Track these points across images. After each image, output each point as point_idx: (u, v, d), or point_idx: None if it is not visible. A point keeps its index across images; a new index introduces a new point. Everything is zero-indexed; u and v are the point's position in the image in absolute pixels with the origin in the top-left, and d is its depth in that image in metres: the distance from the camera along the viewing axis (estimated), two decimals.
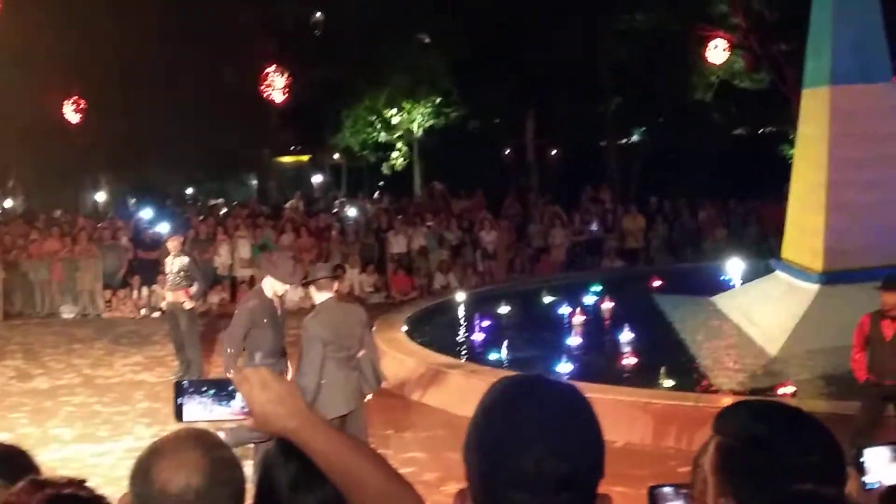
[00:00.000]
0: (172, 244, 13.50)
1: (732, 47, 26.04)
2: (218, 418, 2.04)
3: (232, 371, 8.13)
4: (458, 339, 14.73)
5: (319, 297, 8.38)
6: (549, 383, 1.80)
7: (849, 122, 13.59)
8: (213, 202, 32.66)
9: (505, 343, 13.13)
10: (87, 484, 2.48)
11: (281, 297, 9.24)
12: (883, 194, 13.47)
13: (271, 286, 8.95)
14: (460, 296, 17.09)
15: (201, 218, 23.94)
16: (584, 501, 1.70)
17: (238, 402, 2.02)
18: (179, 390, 2.05)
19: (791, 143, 19.00)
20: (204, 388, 2.05)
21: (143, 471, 2.14)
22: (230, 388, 2.03)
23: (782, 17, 24.29)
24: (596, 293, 16.98)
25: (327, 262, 16.59)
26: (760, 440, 1.73)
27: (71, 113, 25.26)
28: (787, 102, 24.71)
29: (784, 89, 25.78)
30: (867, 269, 11.94)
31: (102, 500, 2.44)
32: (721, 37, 25.53)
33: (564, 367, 11.73)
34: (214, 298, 19.23)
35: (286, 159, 42.68)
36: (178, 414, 2.04)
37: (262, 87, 25.62)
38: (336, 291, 8.74)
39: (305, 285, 9.38)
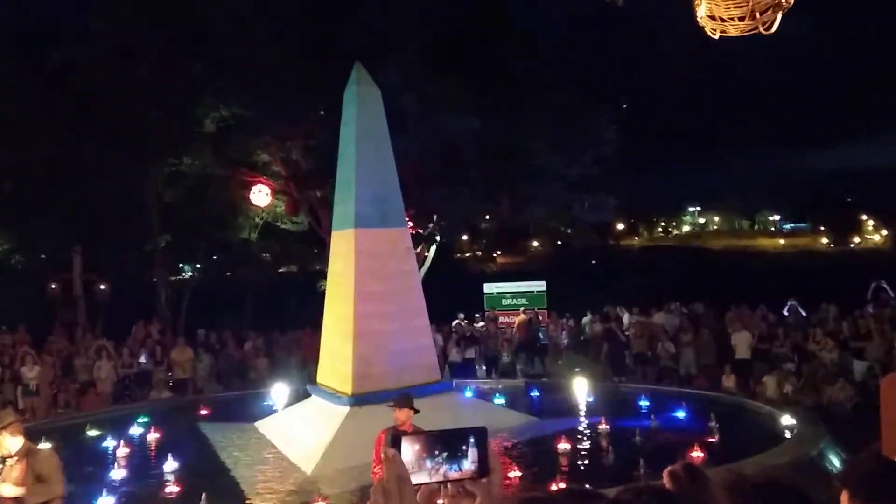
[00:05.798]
0: None
1: (275, 192, 26.97)
2: None
3: None
4: None
5: (16, 442, 7.57)
6: None
7: (371, 261, 14.60)
8: None
9: None
10: None
11: None
12: (400, 323, 14.55)
13: None
14: None
15: None
16: None
17: None
18: None
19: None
20: None
21: None
22: None
23: (317, 166, 25.74)
24: (143, 424, 16.35)
25: None
26: None
27: None
28: (323, 243, 25.98)
29: (320, 231, 27.16)
30: (387, 391, 12.74)
31: None
32: (264, 182, 26.40)
33: (105, 501, 11.03)
34: None
35: None
36: None
37: None
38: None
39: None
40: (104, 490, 11.51)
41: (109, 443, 14.79)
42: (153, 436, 15.52)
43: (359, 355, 14.08)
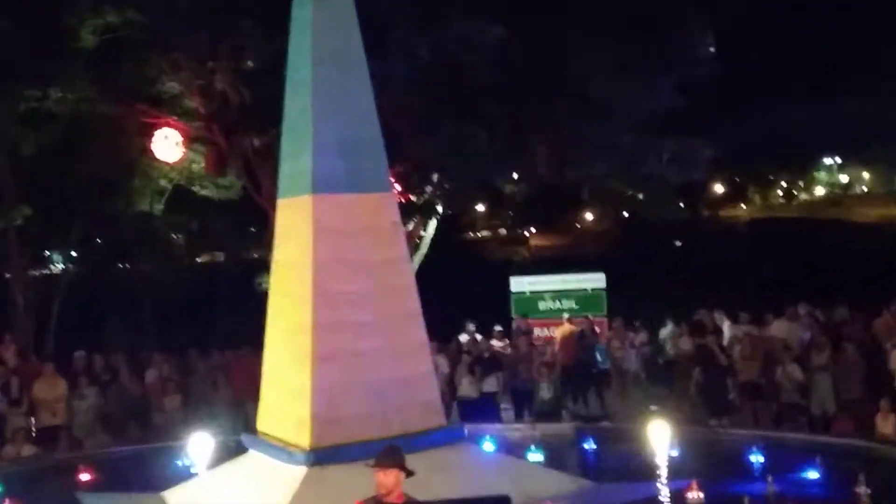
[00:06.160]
0: None
1: (190, 140, 26.86)
2: None
3: None
4: None
5: None
6: None
7: (338, 243, 14.53)
8: None
9: None
10: None
11: None
12: (383, 340, 14.49)
13: None
14: None
15: None
16: None
17: None
18: None
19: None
20: None
21: None
22: None
23: (254, 101, 25.57)
24: None
25: None
26: None
27: None
28: (264, 217, 25.89)
29: (259, 199, 27.04)
30: (365, 443, 12.77)
31: None
32: (172, 126, 26.27)
33: None
34: None
35: None
36: None
37: None
38: None
39: None
40: None
41: None
42: None
43: (322, 387, 14.06)
